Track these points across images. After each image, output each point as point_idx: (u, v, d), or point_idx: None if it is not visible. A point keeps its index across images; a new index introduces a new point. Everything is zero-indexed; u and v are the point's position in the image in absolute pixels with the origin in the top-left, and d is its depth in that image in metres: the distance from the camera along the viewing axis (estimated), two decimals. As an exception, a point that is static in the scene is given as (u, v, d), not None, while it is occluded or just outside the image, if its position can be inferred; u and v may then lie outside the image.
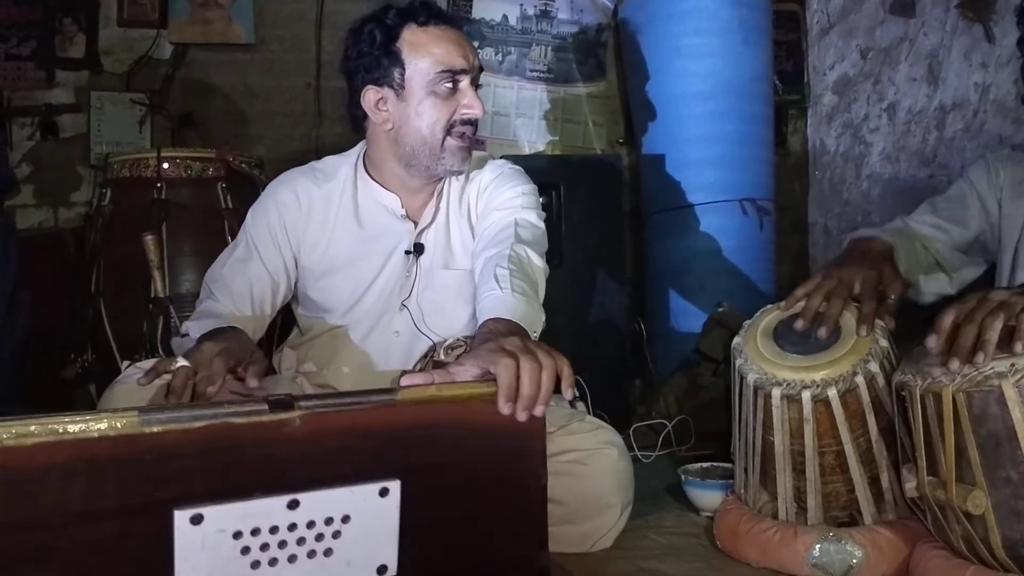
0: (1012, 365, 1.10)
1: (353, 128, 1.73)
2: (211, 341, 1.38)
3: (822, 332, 1.43)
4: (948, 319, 1.18)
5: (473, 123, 1.62)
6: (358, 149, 1.75)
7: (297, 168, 1.76)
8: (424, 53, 1.58)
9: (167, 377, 1.30)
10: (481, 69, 1.66)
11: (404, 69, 1.59)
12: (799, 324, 1.47)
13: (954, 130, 2.84)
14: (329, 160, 1.77)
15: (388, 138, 1.65)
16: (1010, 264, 1.66)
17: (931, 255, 1.68)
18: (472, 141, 1.64)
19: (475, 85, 1.62)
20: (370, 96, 1.62)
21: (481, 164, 1.76)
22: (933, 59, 2.91)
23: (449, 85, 1.58)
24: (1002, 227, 1.70)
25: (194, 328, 1.50)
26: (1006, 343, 1.13)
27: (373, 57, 1.60)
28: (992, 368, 1.11)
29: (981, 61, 2.75)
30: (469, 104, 1.60)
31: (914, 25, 2.99)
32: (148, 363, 1.39)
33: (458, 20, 1.72)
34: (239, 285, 1.62)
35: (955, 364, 1.14)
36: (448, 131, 1.60)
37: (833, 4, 3.34)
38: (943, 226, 1.72)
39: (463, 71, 1.59)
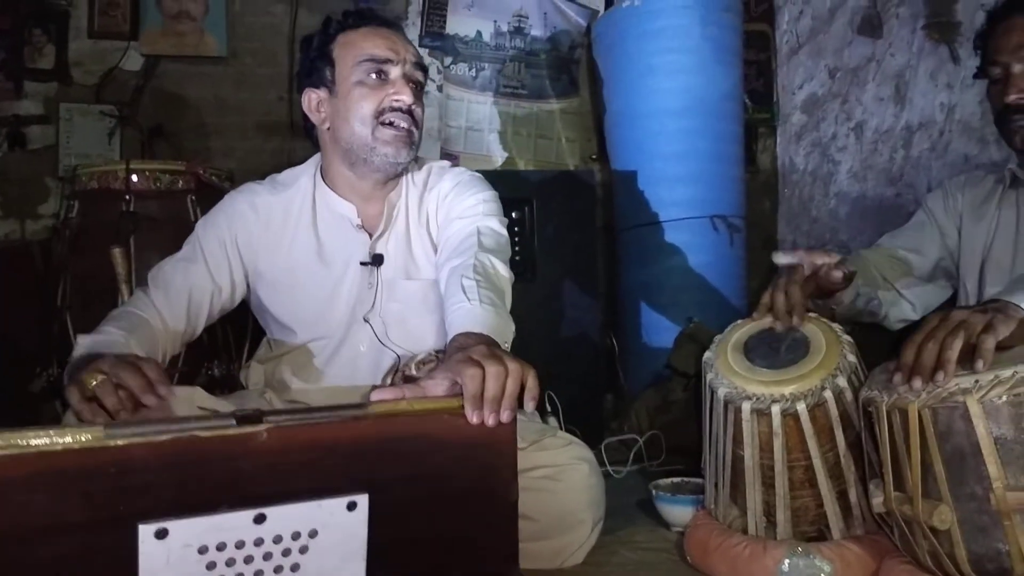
0: (976, 381, 1.11)
1: (309, 141, 1.76)
2: (114, 356, 1.29)
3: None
4: (912, 349, 1.20)
5: (405, 112, 1.62)
6: (316, 159, 1.76)
7: (256, 181, 1.76)
8: (351, 48, 1.63)
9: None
10: (421, 66, 1.67)
11: (335, 67, 1.63)
12: (778, 325, 1.49)
13: (920, 149, 2.88)
14: (289, 171, 1.77)
15: (329, 139, 1.67)
16: (976, 285, 1.68)
17: (891, 285, 1.71)
18: (409, 132, 1.63)
19: (410, 79, 1.64)
20: (310, 98, 1.68)
21: (440, 172, 1.76)
22: (900, 79, 2.96)
23: (375, 75, 1.61)
24: (963, 251, 1.72)
25: (82, 344, 1.38)
26: (969, 360, 1.14)
27: (310, 62, 1.67)
28: (957, 384, 1.12)
29: (947, 82, 2.80)
30: (397, 92, 1.61)
31: (881, 46, 3.04)
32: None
33: (395, 23, 1.73)
34: (177, 285, 1.59)
35: (917, 383, 1.16)
36: (378, 119, 1.61)
37: (802, 24, 3.39)
38: (902, 256, 1.75)
39: (388, 60, 1.61)
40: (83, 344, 1.39)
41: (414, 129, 1.64)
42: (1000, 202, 1.69)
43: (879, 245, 1.80)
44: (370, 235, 1.68)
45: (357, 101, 1.61)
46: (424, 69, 1.69)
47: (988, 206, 1.70)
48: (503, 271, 1.53)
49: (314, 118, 1.69)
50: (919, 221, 1.80)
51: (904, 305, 1.71)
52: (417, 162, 1.75)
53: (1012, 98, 1.56)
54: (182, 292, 1.59)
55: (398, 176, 1.70)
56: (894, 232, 1.82)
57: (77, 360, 1.33)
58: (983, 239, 1.68)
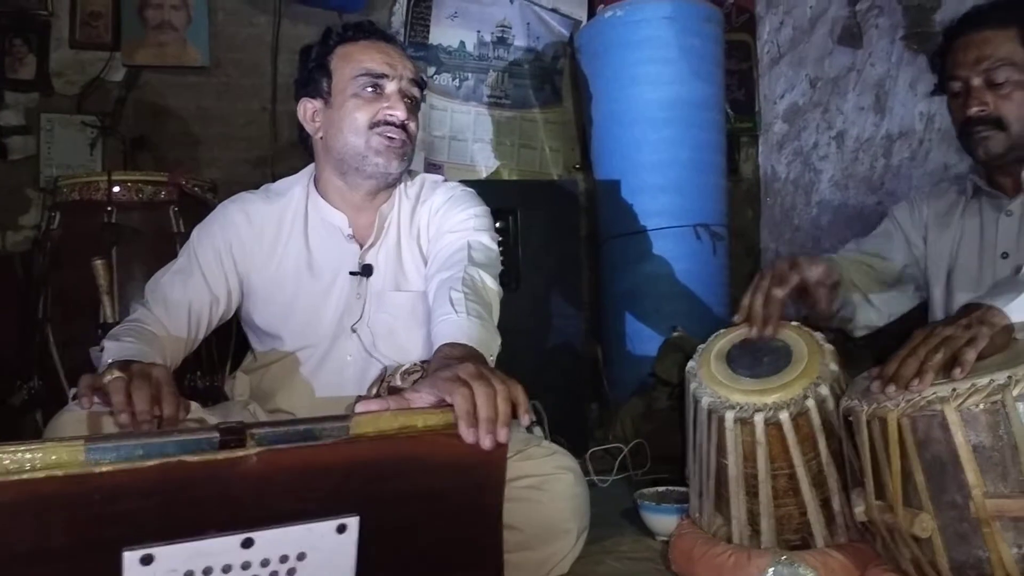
0: (953, 390, 1.12)
1: (304, 150, 1.75)
2: (140, 364, 1.32)
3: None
4: (894, 363, 1.21)
5: (399, 126, 1.63)
6: (310, 169, 1.76)
7: (249, 190, 1.76)
8: (349, 61, 1.64)
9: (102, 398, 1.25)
10: (418, 82, 1.68)
11: (331, 78, 1.64)
12: (753, 332, 1.51)
13: (900, 158, 2.90)
14: (283, 181, 1.78)
15: (323, 148, 1.68)
16: (943, 295, 1.71)
17: (858, 289, 1.73)
18: (402, 144, 1.64)
19: (406, 95, 1.65)
20: (306, 108, 1.69)
21: (433, 186, 1.76)
22: (880, 89, 2.99)
23: (371, 88, 1.62)
24: (929, 261, 1.76)
25: (112, 350, 1.41)
26: (948, 371, 1.16)
27: (308, 72, 1.68)
28: (934, 393, 1.13)
29: (926, 91, 2.82)
30: (391, 106, 1.62)
31: (861, 56, 3.06)
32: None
33: (394, 38, 1.74)
34: (176, 297, 1.59)
35: (891, 388, 1.17)
36: (371, 131, 1.62)
37: (783, 35, 3.42)
38: (868, 261, 1.77)
39: (384, 75, 1.63)
40: (110, 350, 1.39)
41: (407, 142, 1.65)
42: (963, 212, 1.74)
43: (847, 250, 1.82)
44: (361, 245, 1.68)
45: (351, 112, 1.62)
46: (421, 85, 1.70)
47: (952, 216, 1.74)
48: (492, 285, 1.54)
49: (309, 128, 1.69)
50: (886, 229, 1.84)
51: (870, 311, 1.73)
52: (410, 175, 1.76)
53: (974, 111, 1.60)
54: (181, 305, 1.59)
55: (390, 187, 1.71)
56: (860, 239, 1.85)
57: (110, 364, 1.32)
58: (948, 248, 1.73)
